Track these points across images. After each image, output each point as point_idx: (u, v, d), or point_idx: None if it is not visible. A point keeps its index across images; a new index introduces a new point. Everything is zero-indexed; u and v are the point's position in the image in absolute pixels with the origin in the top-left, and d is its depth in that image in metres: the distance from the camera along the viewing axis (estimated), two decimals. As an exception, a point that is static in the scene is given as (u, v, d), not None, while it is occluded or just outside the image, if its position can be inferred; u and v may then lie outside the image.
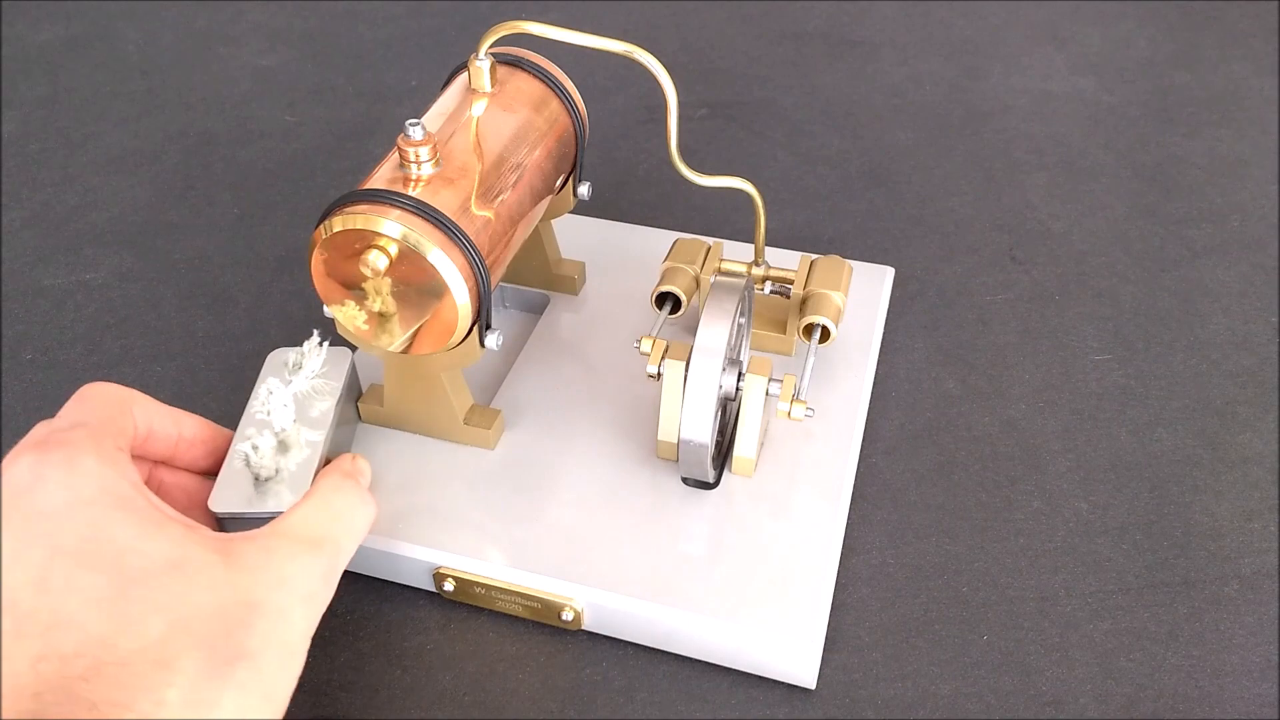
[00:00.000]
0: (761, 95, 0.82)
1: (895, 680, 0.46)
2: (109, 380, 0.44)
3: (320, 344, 0.50)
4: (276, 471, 0.46)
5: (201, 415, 0.58)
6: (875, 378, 0.58)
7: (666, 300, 0.55)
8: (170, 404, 0.59)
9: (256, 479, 0.46)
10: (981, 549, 0.51)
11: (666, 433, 0.50)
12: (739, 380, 0.50)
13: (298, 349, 0.50)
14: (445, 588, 0.48)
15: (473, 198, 0.46)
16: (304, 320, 0.64)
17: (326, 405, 0.49)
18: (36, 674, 0.33)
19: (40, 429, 0.40)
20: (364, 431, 0.53)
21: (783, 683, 0.46)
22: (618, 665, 0.47)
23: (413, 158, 0.45)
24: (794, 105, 0.81)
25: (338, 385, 0.50)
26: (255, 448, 0.45)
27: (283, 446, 0.47)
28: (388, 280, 0.45)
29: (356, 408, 0.53)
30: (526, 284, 0.61)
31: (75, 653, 0.33)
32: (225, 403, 0.58)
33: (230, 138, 0.79)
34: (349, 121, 0.81)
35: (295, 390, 0.48)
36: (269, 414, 0.47)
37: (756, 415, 0.49)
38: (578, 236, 0.63)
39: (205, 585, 0.36)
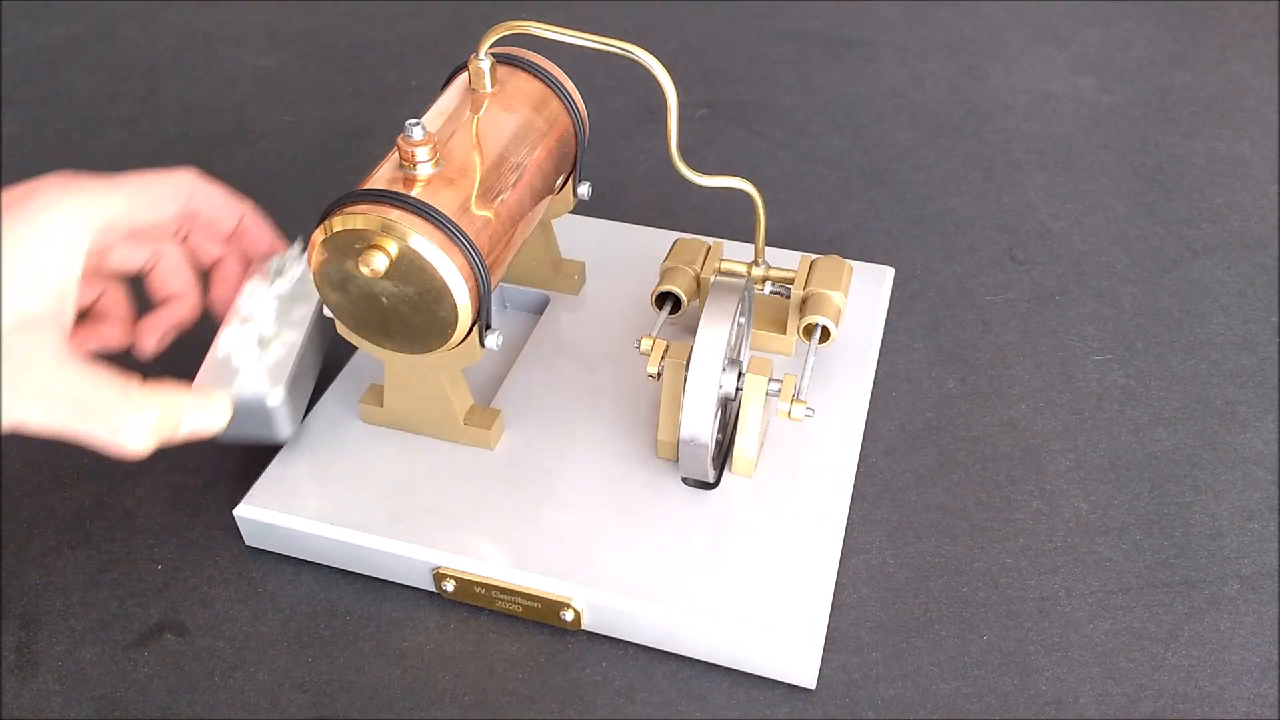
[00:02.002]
0: (761, 95, 0.82)
1: (895, 680, 0.46)
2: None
3: (301, 253, 0.52)
4: (256, 363, 0.49)
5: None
6: (875, 378, 0.58)
7: (666, 300, 0.55)
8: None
9: (236, 371, 0.49)
10: (981, 549, 0.51)
11: (666, 433, 0.50)
12: (739, 380, 0.50)
13: (279, 255, 0.52)
14: (445, 588, 0.48)
15: (473, 198, 0.46)
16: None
17: (304, 311, 0.51)
18: None
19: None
20: (364, 431, 0.53)
21: (783, 683, 0.46)
22: (618, 665, 0.47)
23: (413, 158, 0.45)
24: (794, 105, 0.81)
25: (315, 295, 0.52)
26: (238, 341, 0.48)
27: (263, 343, 0.49)
28: (388, 280, 0.45)
29: (327, 329, 0.54)
30: (526, 284, 0.61)
31: None
32: (225, 403, 0.58)
33: (230, 138, 0.79)
34: (349, 121, 0.81)
35: (277, 293, 0.51)
36: (251, 313, 0.50)
37: (756, 415, 0.49)
38: (578, 236, 0.63)
39: None
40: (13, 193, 0.43)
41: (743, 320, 0.51)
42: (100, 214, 0.44)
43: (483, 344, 0.48)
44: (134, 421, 0.43)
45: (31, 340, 0.42)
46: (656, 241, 0.63)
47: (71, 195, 0.43)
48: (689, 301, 0.55)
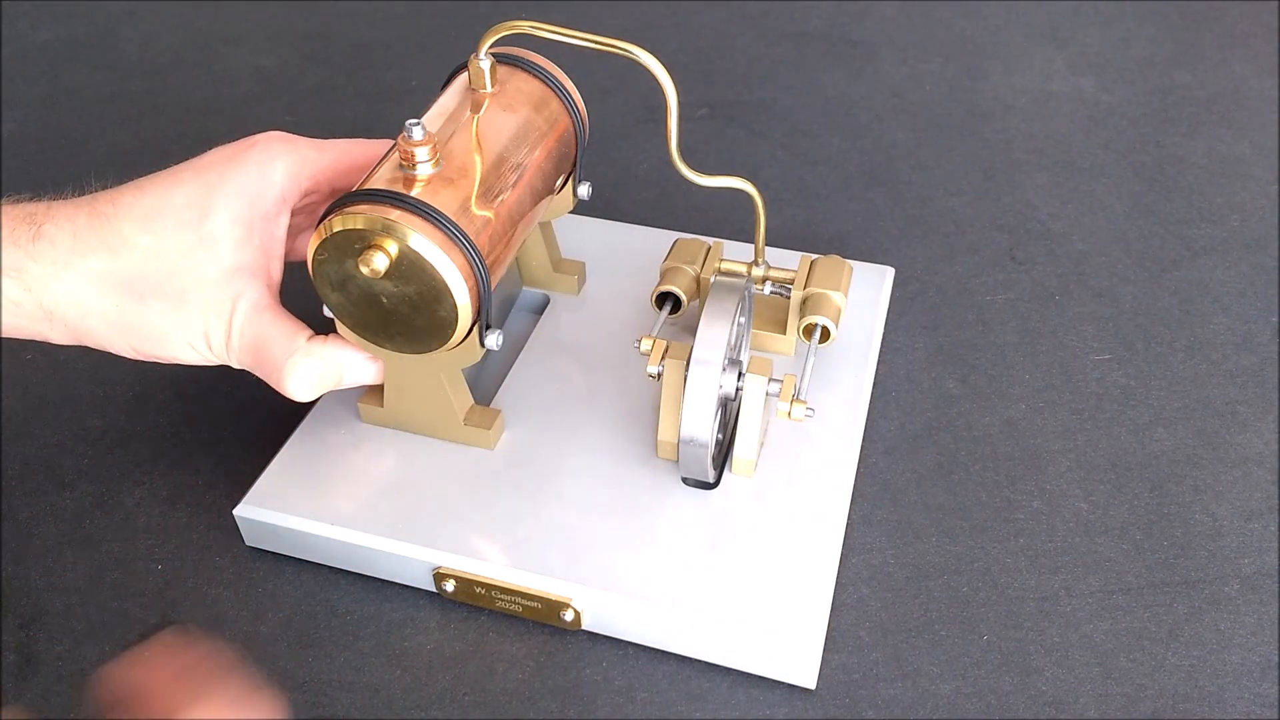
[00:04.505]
0: (761, 95, 0.82)
1: (895, 680, 0.46)
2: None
3: None
4: None
5: (201, 414, 0.58)
6: (875, 378, 0.58)
7: (666, 300, 0.55)
8: (169, 403, 0.59)
9: None
10: (981, 549, 0.51)
11: (666, 433, 0.50)
12: (739, 380, 0.50)
13: None
14: (445, 588, 0.48)
15: (473, 198, 0.46)
16: (303, 320, 0.64)
17: None
18: None
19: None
20: (364, 431, 0.53)
21: (783, 683, 0.46)
22: (618, 665, 0.47)
23: (413, 158, 0.45)
24: (794, 105, 0.81)
25: None
26: None
27: None
28: (388, 281, 0.45)
29: None
30: (526, 284, 0.61)
31: None
32: (225, 400, 0.58)
33: (230, 138, 0.79)
34: (349, 121, 0.81)
35: None
36: None
37: (756, 415, 0.49)
38: (578, 236, 0.63)
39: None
40: (230, 149, 0.48)
41: (743, 320, 0.51)
42: (307, 173, 0.48)
43: (483, 344, 0.48)
44: (297, 372, 0.47)
45: (241, 286, 0.46)
46: (656, 241, 0.63)
47: (284, 157, 0.47)
48: (689, 301, 0.55)
